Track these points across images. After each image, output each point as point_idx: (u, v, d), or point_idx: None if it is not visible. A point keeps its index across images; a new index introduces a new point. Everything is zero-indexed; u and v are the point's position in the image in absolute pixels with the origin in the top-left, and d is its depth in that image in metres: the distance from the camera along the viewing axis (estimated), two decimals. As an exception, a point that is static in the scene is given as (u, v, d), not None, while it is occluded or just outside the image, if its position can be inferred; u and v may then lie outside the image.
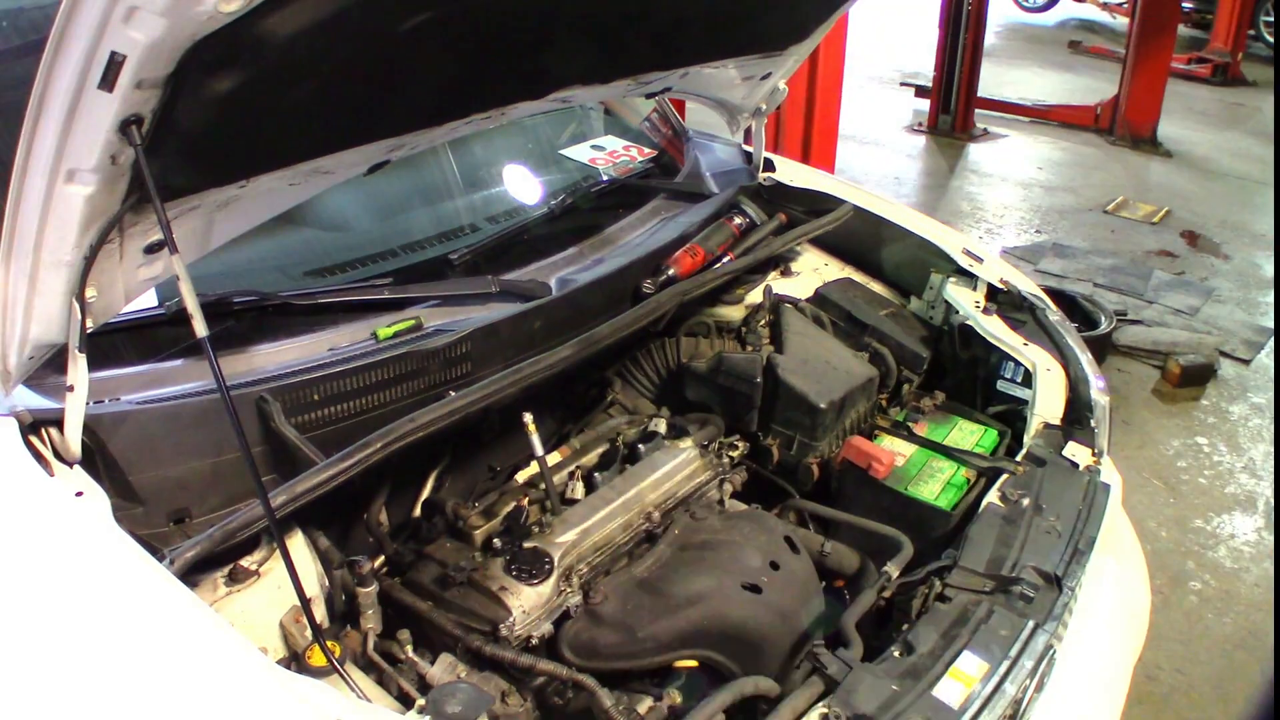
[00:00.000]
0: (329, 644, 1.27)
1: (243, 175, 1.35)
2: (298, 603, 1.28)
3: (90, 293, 1.26)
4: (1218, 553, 3.24)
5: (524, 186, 2.48)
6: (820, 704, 1.28)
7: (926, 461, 1.90)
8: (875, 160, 6.95)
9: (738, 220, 2.36)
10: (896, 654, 1.37)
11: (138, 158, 1.12)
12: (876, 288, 2.42)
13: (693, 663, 1.51)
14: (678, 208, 2.40)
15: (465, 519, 1.61)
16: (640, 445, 1.86)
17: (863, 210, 2.42)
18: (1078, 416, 1.93)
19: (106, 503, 1.25)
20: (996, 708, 1.30)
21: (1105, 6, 11.43)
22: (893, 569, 1.62)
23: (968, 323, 2.17)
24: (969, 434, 1.99)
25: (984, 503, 1.70)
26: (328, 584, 1.44)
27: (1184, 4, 8.99)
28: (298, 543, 1.43)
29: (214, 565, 1.34)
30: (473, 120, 1.66)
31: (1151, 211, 6.07)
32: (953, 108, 7.31)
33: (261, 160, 1.37)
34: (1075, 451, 1.83)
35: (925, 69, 7.93)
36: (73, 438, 1.30)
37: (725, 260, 2.22)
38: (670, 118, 2.74)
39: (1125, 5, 10.27)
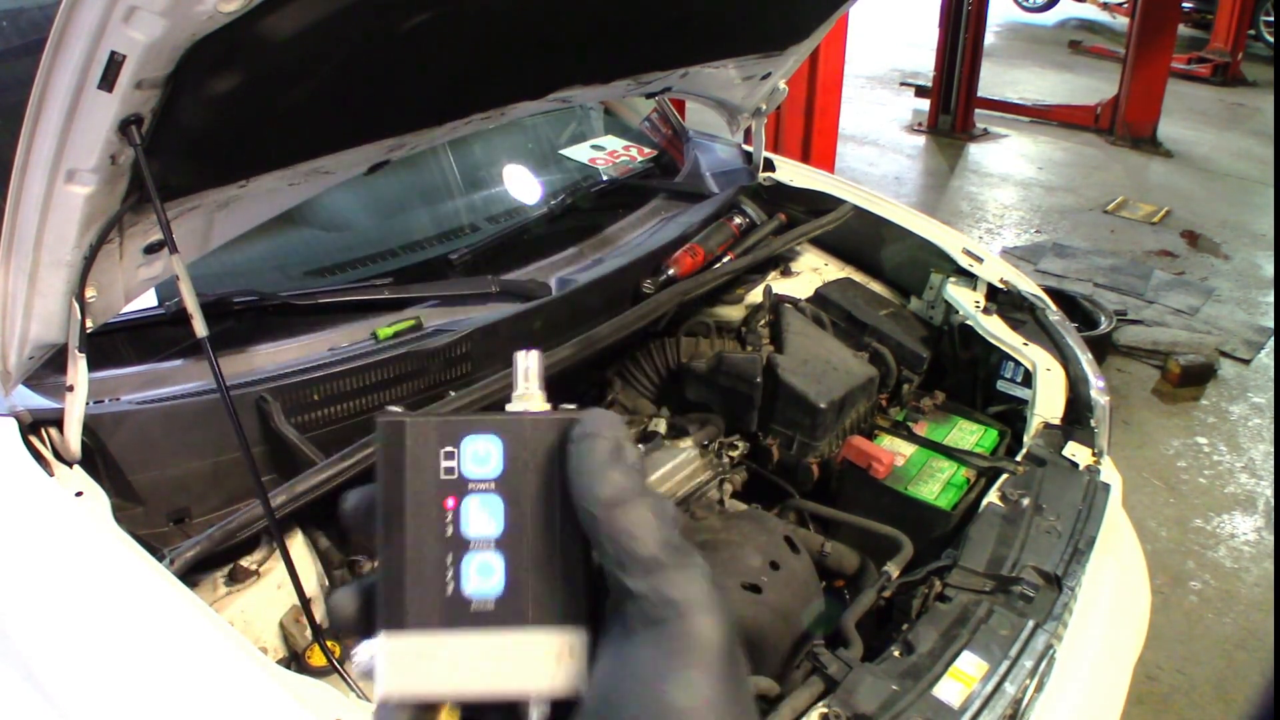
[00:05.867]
0: (329, 644, 1.27)
1: (243, 175, 1.35)
2: (298, 603, 1.28)
3: (90, 293, 1.26)
4: (1218, 553, 3.24)
5: (524, 186, 2.48)
6: (820, 704, 1.28)
7: (926, 461, 1.90)
8: (875, 160, 6.95)
9: (738, 220, 2.36)
10: (896, 654, 1.37)
11: (138, 158, 1.12)
12: (876, 288, 2.42)
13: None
14: (678, 208, 2.40)
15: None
16: (640, 445, 1.86)
17: (863, 210, 2.42)
18: (1078, 416, 1.93)
19: (106, 503, 1.25)
20: (996, 708, 1.30)
21: (1105, 6, 11.43)
22: (893, 569, 1.62)
23: (968, 323, 2.17)
24: (969, 434, 1.99)
25: (984, 503, 1.69)
26: (328, 584, 1.44)
27: (1184, 4, 8.99)
28: (298, 543, 1.43)
29: (214, 565, 1.34)
30: (473, 120, 1.66)
31: (1151, 211, 6.07)
32: (953, 108, 7.31)
33: (261, 160, 1.37)
34: (1075, 451, 1.83)
35: (925, 69, 7.93)
36: (73, 438, 1.30)
37: (725, 260, 2.22)
38: (670, 118, 2.74)
39: (1125, 5, 10.27)
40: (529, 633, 0.43)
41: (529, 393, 0.47)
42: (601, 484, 0.42)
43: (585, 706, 0.42)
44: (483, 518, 0.44)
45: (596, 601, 0.45)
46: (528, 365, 0.48)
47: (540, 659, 0.43)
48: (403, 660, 0.43)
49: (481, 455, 0.44)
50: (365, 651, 0.44)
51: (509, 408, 0.47)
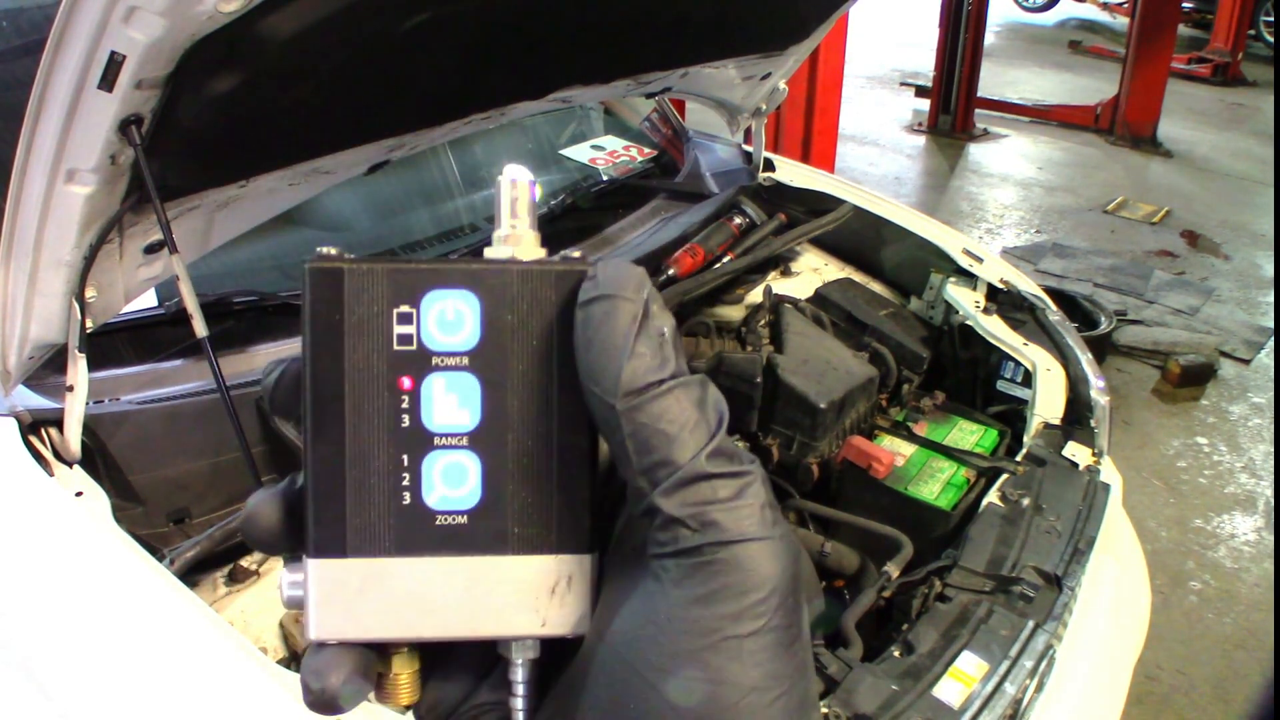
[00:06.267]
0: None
1: (243, 175, 1.35)
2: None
3: (90, 293, 1.26)
4: (1218, 553, 3.24)
5: (524, 186, 2.48)
6: (820, 704, 1.28)
7: (926, 461, 1.90)
8: (875, 160, 6.95)
9: (738, 220, 2.36)
10: (896, 654, 1.37)
11: (138, 158, 1.12)
12: (876, 288, 2.42)
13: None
14: (678, 208, 2.40)
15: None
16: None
17: (863, 210, 2.42)
18: (1078, 416, 1.93)
19: (106, 503, 1.25)
20: (996, 708, 1.30)
21: (1105, 6, 11.43)
22: (893, 569, 1.62)
23: (968, 323, 2.17)
24: (969, 434, 1.99)
25: (984, 503, 1.70)
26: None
27: (1184, 4, 8.99)
28: (298, 543, 1.43)
29: (214, 565, 1.34)
30: (473, 120, 1.66)
31: (1151, 211, 6.07)
32: (953, 108, 7.31)
33: (261, 160, 1.37)
34: (1075, 451, 1.83)
35: (925, 69, 7.94)
36: (73, 438, 1.30)
37: (725, 260, 2.22)
38: (670, 118, 2.74)
39: (1125, 5, 10.27)
40: (513, 559, 0.33)
41: (518, 232, 0.36)
42: (624, 364, 0.31)
43: (592, 658, 0.33)
44: (451, 405, 0.33)
45: (604, 516, 0.35)
46: (515, 194, 0.36)
47: (528, 592, 0.33)
48: (342, 592, 0.33)
49: (450, 319, 0.33)
50: (289, 579, 0.33)
51: (489, 253, 0.35)
